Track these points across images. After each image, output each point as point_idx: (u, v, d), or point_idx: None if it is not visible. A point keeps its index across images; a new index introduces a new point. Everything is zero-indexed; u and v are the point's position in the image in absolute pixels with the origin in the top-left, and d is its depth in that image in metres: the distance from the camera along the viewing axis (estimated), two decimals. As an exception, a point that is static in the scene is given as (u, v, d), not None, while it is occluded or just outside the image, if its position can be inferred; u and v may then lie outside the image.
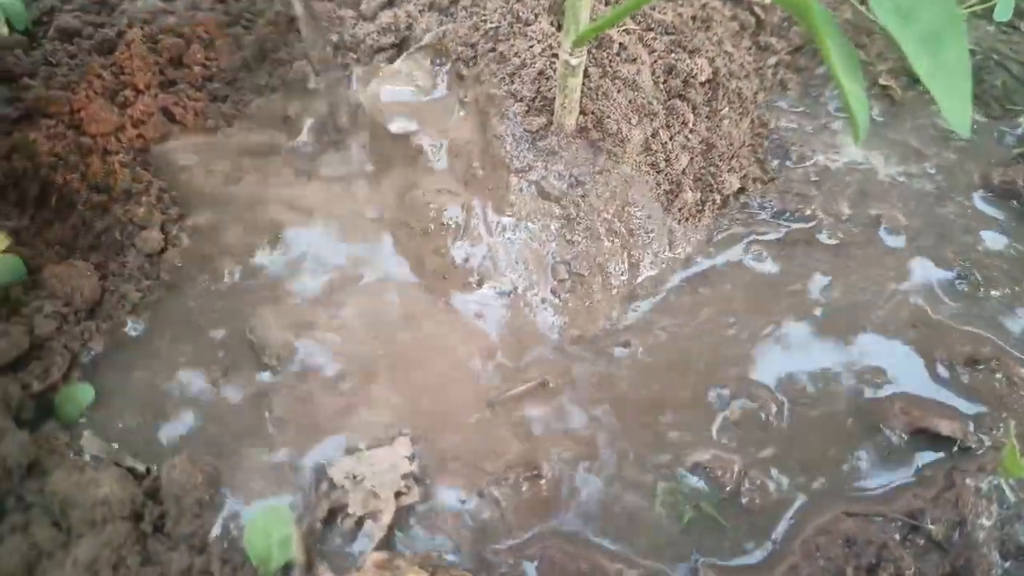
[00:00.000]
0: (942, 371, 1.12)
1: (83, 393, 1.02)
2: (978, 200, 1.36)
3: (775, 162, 1.42)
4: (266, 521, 0.84)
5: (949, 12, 0.73)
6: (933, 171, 1.41)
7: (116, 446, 1.00)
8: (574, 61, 1.10)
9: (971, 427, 1.04)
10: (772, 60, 1.57)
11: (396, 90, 1.35)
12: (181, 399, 1.07)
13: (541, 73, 1.24)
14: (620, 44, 1.26)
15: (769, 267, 1.26)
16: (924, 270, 1.26)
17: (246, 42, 1.57)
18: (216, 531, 0.94)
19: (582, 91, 1.18)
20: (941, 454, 1.04)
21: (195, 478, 0.94)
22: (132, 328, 1.15)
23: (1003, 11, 1.45)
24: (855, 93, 0.80)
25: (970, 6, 1.56)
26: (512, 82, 1.25)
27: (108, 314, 1.16)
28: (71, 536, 0.91)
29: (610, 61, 1.24)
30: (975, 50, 1.57)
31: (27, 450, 0.94)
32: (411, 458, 0.98)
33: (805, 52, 1.61)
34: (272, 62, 1.55)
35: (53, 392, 1.03)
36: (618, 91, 1.23)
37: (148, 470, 0.98)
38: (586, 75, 1.19)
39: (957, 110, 0.73)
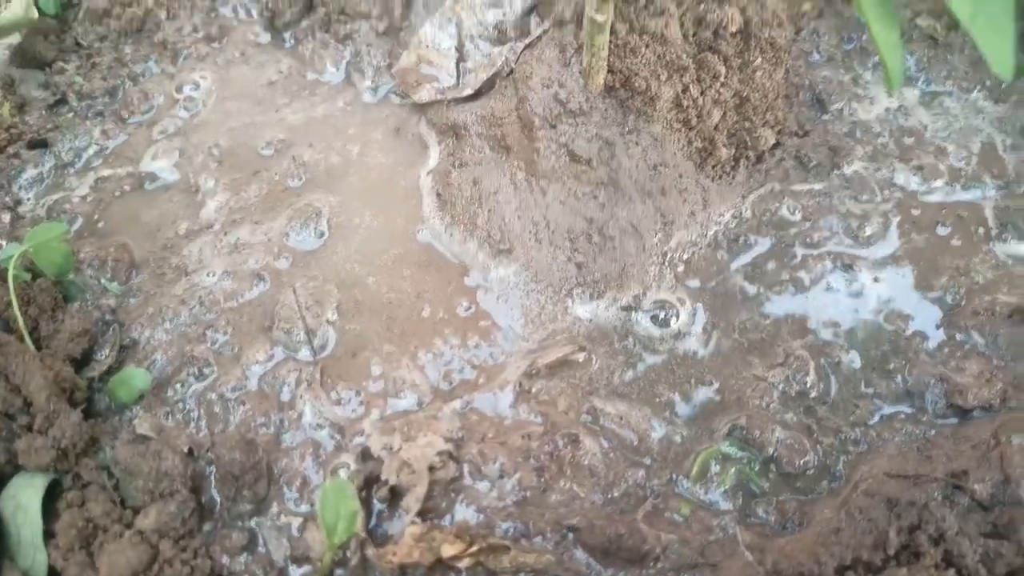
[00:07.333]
0: (984, 325, 1.10)
1: (139, 378, 1.05)
2: (1023, 147, 1.32)
3: (811, 114, 1.38)
4: (336, 496, 0.87)
5: (990, -51, 0.70)
6: (975, 118, 1.36)
7: (167, 426, 1.03)
8: (600, 18, 1.08)
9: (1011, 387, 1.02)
10: (806, 6, 1.51)
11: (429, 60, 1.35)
12: (223, 380, 1.10)
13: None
14: (647, -4, 1.23)
15: (807, 224, 1.23)
16: (965, 221, 1.22)
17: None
18: (272, 507, 0.97)
19: (609, 49, 1.16)
20: (986, 413, 1.02)
21: (252, 456, 0.97)
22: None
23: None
24: (889, 42, 0.78)
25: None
26: (539, 43, 1.23)
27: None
28: (127, 510, 0.95)
29: (637, 15, 1.21)
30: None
31: (82, 430, 0.98)
32: (448, 438, 0.99)
33: (840, -4, 1.55)
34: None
35: (108, 376, 1.07)
36: (646, 46, 1.20)
37: (193, 451, 1.01)
38: (613, 32, 1.16)
39: (1000, 53, 0.70)
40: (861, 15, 0.76)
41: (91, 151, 1.39)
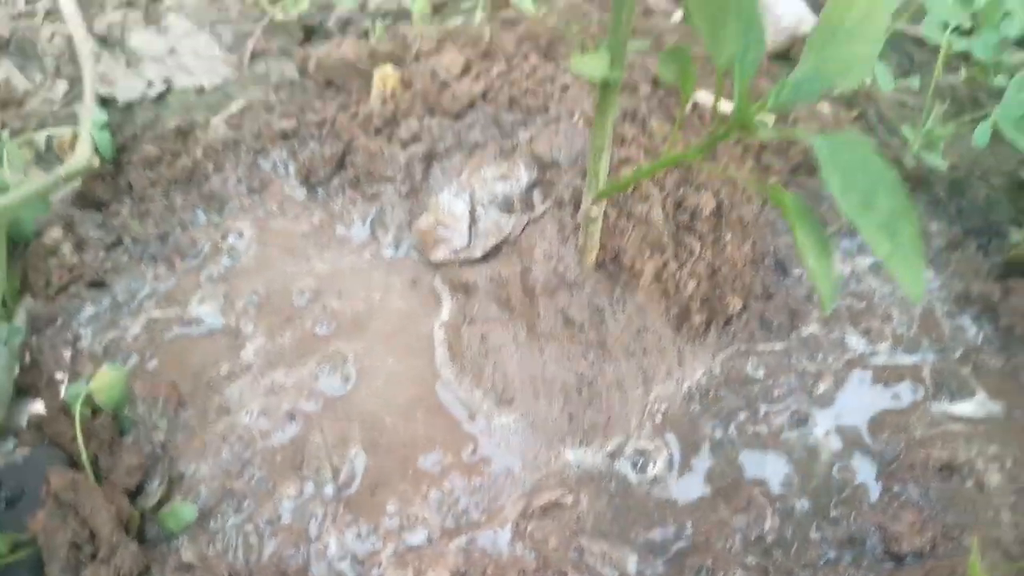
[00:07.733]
0: (919, 478, 1.27)
1: (188, 512, 1.21)
2: (958, 313, 1.52)
3: (774, 277, 1.59)
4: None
5: (903, 202, 0.89)
6: (919, 284, 1.57)
7: (209, 554, 1.19)
8: (594, 212, 1.29)
9: (940, 536, 1.19)
10: (772, 179, 1.74)
11: (445, 223, 1.55)
12: (259, 513, 1.26)
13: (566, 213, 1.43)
14: (634, 185, 1.44)
15: (769, 381, 1.42)
16: (905, 381, 1.41)
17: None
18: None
19: (601, 230, 1.37)
20: (918, 560, 1.19)
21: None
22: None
23: (981, 137, 1.60)
24: (822, 272, 0.97)
25: (958, 117, 1.72)
26: (541, 220, 1.45)
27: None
28: (176, 633, 1.10)
29: (625, 201, 1.43)
30: (958, 166, 1.73)
31: (139, 559, 1.13)
32: (455, 572, 1.15)
33: (802, 170, 1.78)
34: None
35: (158, 507, 1.23)
36: (632, 227, 1.41)
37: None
38: (604, 217, 1.37)
39: (912, 284, 0.89)
40: (799, 249, 0.95)
41: (144, 293, 1.58)
